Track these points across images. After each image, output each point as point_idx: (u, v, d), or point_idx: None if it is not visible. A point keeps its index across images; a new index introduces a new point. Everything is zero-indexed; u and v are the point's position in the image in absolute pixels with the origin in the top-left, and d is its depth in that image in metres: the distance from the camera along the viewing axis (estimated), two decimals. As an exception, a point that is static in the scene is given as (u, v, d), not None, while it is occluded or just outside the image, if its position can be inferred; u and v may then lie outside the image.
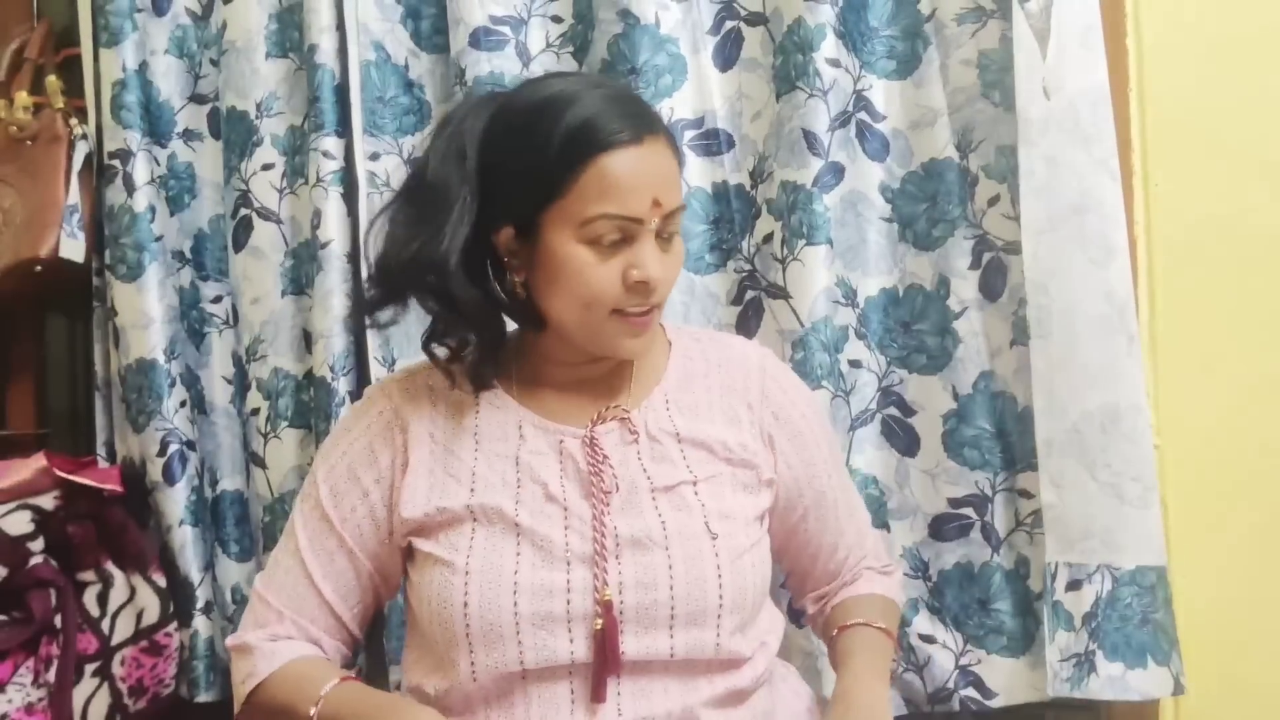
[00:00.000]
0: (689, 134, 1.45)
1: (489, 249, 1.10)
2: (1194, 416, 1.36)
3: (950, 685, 1.39)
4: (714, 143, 1.46)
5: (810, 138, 1.39)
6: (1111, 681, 1.31)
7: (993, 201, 1.38)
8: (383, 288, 1.13)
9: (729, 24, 1.46)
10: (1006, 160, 1.36)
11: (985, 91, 1.37)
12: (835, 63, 1.40)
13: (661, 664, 1.06)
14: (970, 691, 1.38)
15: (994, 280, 1.38)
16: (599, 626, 1.04)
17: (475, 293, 1.09)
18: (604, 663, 1.04)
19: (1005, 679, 1.38)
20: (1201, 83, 1.38)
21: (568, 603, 1.05)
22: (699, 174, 1.45)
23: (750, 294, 1.45)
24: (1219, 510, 1.36)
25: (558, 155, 1.04)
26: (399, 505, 1.12)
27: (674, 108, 1.43)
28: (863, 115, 1.42)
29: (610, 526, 1.08)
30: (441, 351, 1.14)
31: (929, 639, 1.40)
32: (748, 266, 1.46)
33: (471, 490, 1.10)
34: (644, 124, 1.06)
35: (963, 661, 1.39)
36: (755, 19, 1.45)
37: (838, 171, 1.42)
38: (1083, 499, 1.31)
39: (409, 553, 1.14)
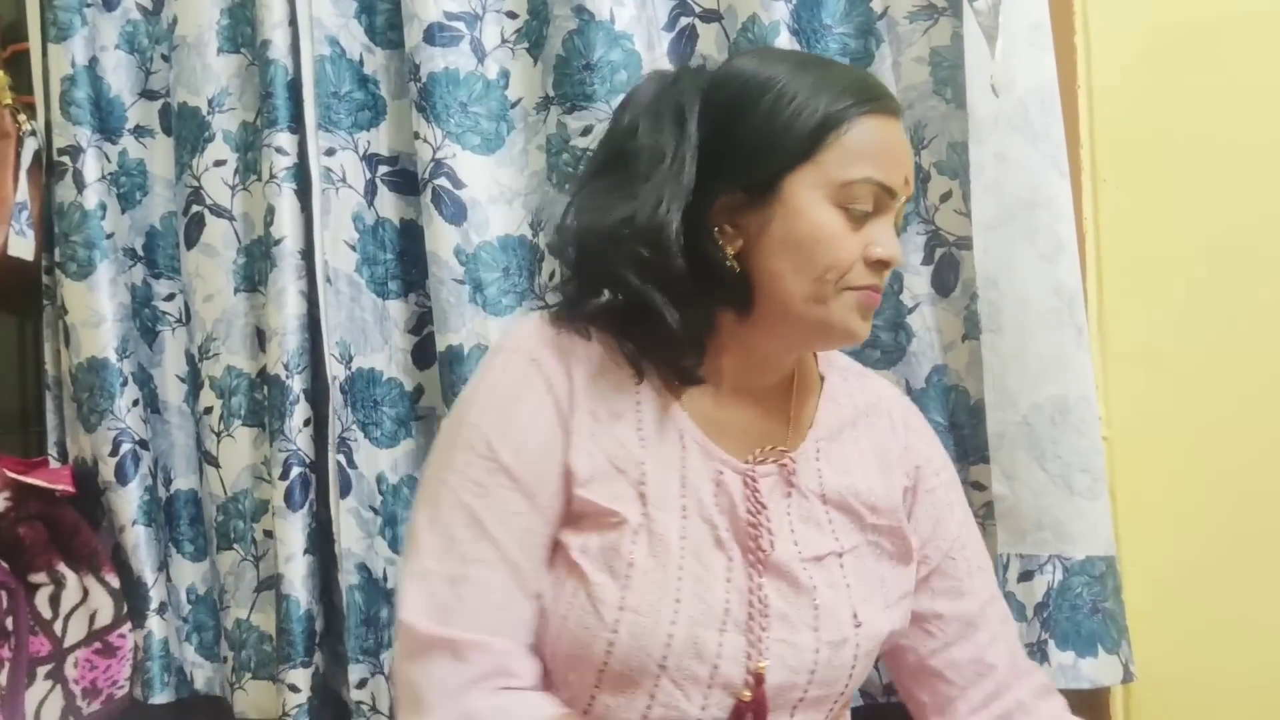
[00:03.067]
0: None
1: (702, 219, 0.98)
2: (1141, 408, 1.38)
3: (905, 676, 1.40)
4: (669, 139, 1.46)
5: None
6: (1063, 670, 1.32)
7: (945, 198, 1.39)
8: (584, 271, 1.00)
9: (684, 20, 1.46)
10: (958, 157, 1.37)
11: (937, 89, 1.39)
12: (789, 60, 1.40)
13: None
14: (925, 682, 1.40)
15: (946, 275, 1.40)
16: (747, 698, 0.96)
17: (690, 266, 0.96)
18: None
19: (959, 669, 1.39)
20: (1148, 80, 1.40)
21: (715, 668, 0.95)
22: (654, 170, 1.46)
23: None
24: (1166, 500, 1.38)
25: (821, 111, 0.95)
26: (572, 479, 0.96)
27: (629, 104, 1.44)
28: (816, 112, 1.43)
29: (764, 592, 0.98)
30: (629, 346, 0.99)
31: (884, 630, 1.42)
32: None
33: (641, 497, 0.97)
34: (895, 102, 1.00)
35: (917, 652, 1.41)
36: (710, 16, 1.45)
37: (792, 168, 1.42)
38: (1033, 490, 1.32)
39: (554, 544, 0.98)
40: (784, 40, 1.39)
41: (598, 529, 0.96)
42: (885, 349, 1.42)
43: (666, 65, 1.46)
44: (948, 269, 1.40)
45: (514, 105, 1.50)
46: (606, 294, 1.01)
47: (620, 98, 1.40)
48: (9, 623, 1.54)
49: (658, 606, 0.94)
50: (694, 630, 0.94)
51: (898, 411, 1.13)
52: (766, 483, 1.00)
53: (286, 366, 1.52)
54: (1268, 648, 1.35)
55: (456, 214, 1.46)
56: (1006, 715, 1.09)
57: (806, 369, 1.08)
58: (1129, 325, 1.39)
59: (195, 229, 1.61)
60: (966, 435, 1.39)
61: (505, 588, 0.93)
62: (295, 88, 1.53)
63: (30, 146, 1.69)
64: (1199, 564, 1.37)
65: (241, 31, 1.59)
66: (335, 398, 1.52)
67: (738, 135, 0.97)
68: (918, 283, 1.41)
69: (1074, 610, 1.33)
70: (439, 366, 1.48)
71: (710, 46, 1.45)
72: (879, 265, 0.97)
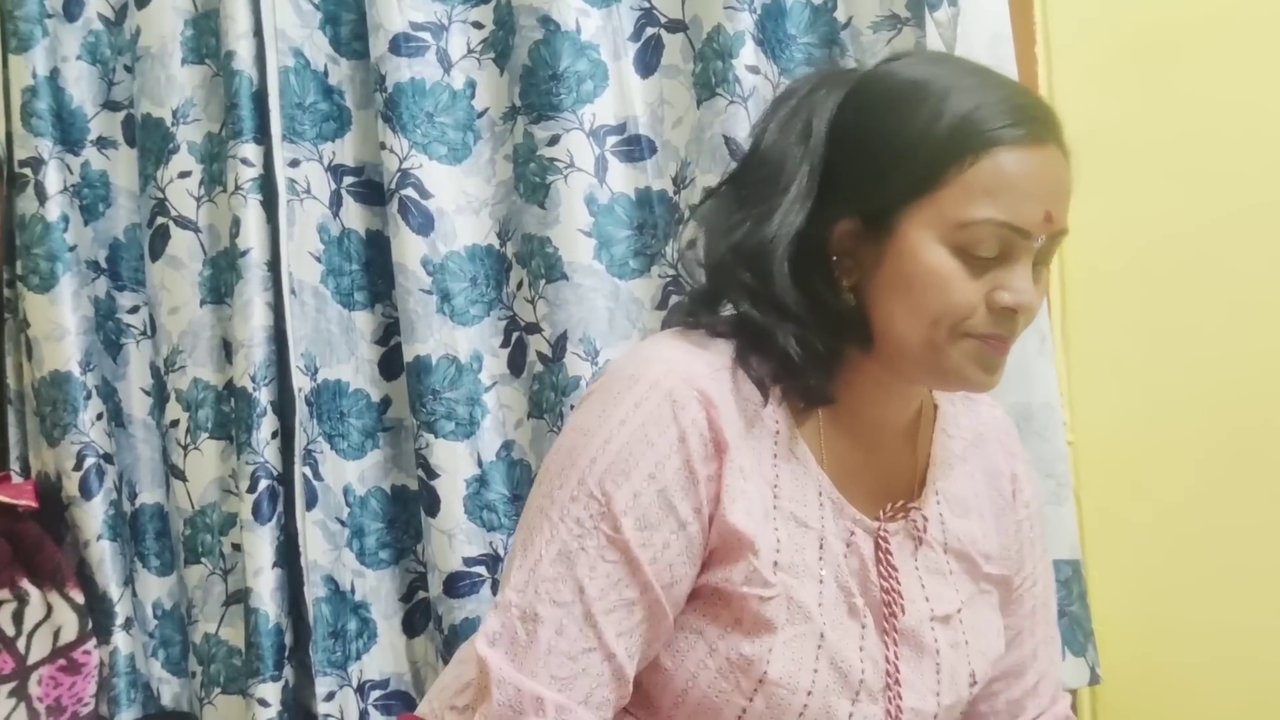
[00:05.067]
0: (611, 140, 1.45)
1: (819, 245, 0.90)
2: (1105, 414, 1.40)
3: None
4: (636, 149, 1.47)
5: (731, 144, 1.40)
6: (1031, 673, 1.33)
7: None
8: (710, 287, 0.94)
9: (649, 31, 1.47)
10: (922, 165, 1.38)
11: (901, 98, 1.40)
12: (754, 69, 1.41)
13: None
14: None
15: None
16: None
17: (798, 297, 0.89)
18: None
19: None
20: (1109, 90, 1.42)
21: None
22: (622, 180, 1.46)
23: (674, 298, 1.46)
24: (1130, 504, 1.39)
25: (943, 141, 0.85)
26: (720, 542, 0.89)
27: (596, 114, 1.44)
28: (782, 121, 1.44)
29: (898, 660, 0.93)
30: (759, 367, 0.90)
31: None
32: (671, 271, 1.47)
33: (775, 565, 0.89)
34: (1047, 126, 0.88)
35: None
36: (675, 26, 1.46)
37: (758, 177, 1.43)
38: (999, 496, 1.34)
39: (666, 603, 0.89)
40: (749, 51, 1.39)
41: (740, 593, 0.89)
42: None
43: (632, 75, 1.46)
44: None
45: (480, 115, 1.50)
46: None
47: (586, 108, 1.43)
48: (-29, 640, 1.53)
49: (796, 677, 0.89)
50: (828, 699, 0.90)
51: (1004, 438, 1.06)
52: (896, 540, 0.94)
53: (254, 379, 1.51)
54: (1231, 650, 1.36)
55: (423, 224, 1.46)
56: None
57: (924, 399, 1.01)
58: (1093, 332, 1.41)
59: (160, 241, 1.60)
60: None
61: (578, 637, 0.86)
62: (260, 99, 1.52)
63: (-10, 159, 1.68)
64: (1163, 567, 1.39)
65: (206, 42, 1.58)
66: (300, 409, 1.52)
67: (859, 157, 0.89)
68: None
69: (1041, 614, 1.34)
70: (407, 377, 1.48)
71: (676, 56, 1.46)
72: (1007, 314, 0.86)
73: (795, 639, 0.89)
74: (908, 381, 0.94)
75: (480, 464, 1.47)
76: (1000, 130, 0.85)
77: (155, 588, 1.65)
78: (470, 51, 1.50)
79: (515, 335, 1.49)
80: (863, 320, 0.90)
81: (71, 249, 1.63)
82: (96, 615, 1.61)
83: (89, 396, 1.63)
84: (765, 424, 0.91)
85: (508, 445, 1.49)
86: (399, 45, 1.46)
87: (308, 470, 1.53)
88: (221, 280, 1.58)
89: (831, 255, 0.90)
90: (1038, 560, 1.06)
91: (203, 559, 1.60)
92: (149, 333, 1.65)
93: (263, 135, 1.52)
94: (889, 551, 0.93)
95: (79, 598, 1.59)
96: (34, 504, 1.59)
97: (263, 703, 1.50)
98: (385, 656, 1.55)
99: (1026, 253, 0.86)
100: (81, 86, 1.65)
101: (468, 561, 1.45)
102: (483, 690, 0.87)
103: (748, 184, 0.93)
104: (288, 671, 1.52)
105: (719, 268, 0.93)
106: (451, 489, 1.45)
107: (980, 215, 0.84)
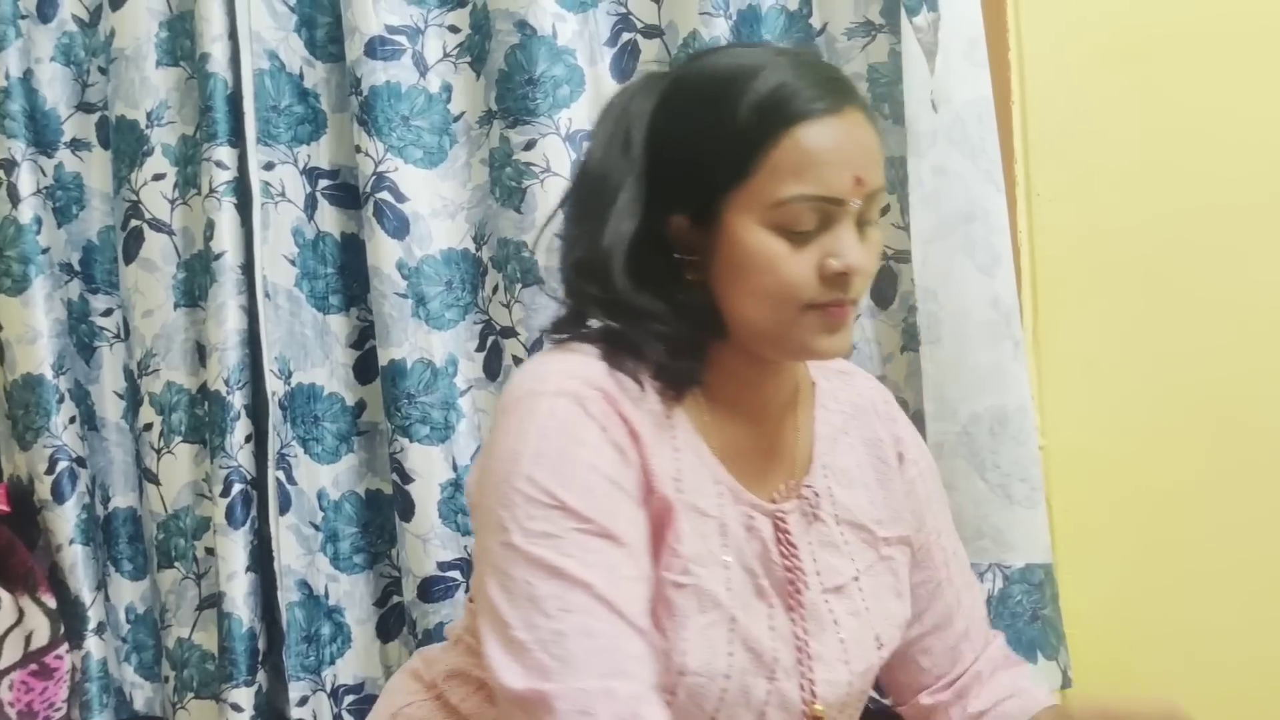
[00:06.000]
0: (587, 145, 1.45)
1: (662, 245, 0.94)
2: (1076, 418, 1.40)
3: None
4: (612, 153, 1.47)
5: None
6: (1004, 677, 1.34)
7: (883, 212, 1.40)
8: (570, 306, 0.97)
9: (626, 36, 1.47)
10: (896, 171, 1.39)
11: (875, 104, 1.40)
12: (730, 75, 1.42)
13: None
14: (868, 691, 1.41)
15: (885, 288, 1.41)
16: None
17: (646, 298, 0.93)
18: None
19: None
20: (1082, 95, 1.42)
21: (761, 715, 0.94)
22: (597, 184, 1.46)
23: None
24: (1101, 508, 1.40)
25: (744, 129, 0.89)
26: (669, 516, 0.92)
27: (572, 119, 1.44)
28: (757, 126, 1.44)
29: (806, 636, 0.96)
30: (630, 365, 0.93)
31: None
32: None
33: (676, 555, 0.91)
34: (843, 92, 0.91)
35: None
36: (651, 31, 1.46)
37: (733, 182, 1.43)
38: (973, 500, 1.34)
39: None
40: (724, 56, 1.39)
41: (659, 577, 0.90)
42: (826, 361, 1.43)
43: (609, 80, 1.46)
44: (886, 282, 1.41)
45: (456, 119, 1.50)
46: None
47: (562, 112, 1.43)
48: (-58, 645, 1.52)
49: (713, 664, 0.91)
50: (744, 680, 0.92)
51: (881, 406, 1.11)
52: (793, 519, 0.98)
53: (227, 382, 1.50)
54: (1202, 653, 1.37)
55: (399, 227, 1.46)
56: (964, 690, 1.10)
57: (801, 376, 1.05)
58: (1063, 336, 1.42)
59: (134, 244, 1.59)
60: (907, 446, 1.41)
61: (609, 632, 0.83)
62: (235, 101, 1.52)
63: (-37, 160, 1.67)
64: (1133, 570, 1.40)
65: (180, 44, 1.58)
66: (274, 413, 1.51)
67: (677, 155, 0.94)
68: (858, 295, 1.42)
69: (1014, 618, 1.35)
70: (381, 381, 1.48)
71: (652, 62, 1.46)
72: (840, 279, 0.90)
73: (708, 627, 0.91)
74: (765, 359, 0.97)
75: (455, 468, 1.47)
76: (796, 108, 0.89)
77: (128, 592, 1.64)
78: (446, 55, 1.50)
79: (491, 339, 1.49)
80: (714, 309, 0.94)
81: (44, 251, 1.63)
82: (69, 620, 1.60)
83: (61, 400, 1.62)
84: (659, 416, 0.94)
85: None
86: (375, 48, 1.46)
87: (281, 474, 1.52)
88: (195, 283, 1.58)
89: (672, 252, 0.94)
90: (938, 514, 1.11)
91: (176, 563, 1.59)
92: (122, 336, 1.65)
93: (237, 138, 1.52)
94: (787, 531, 0.97)
95: (51, 602, 1.58)
96: (5, 508, 1.59)
97: (236, 707, 1.49)
98: (359, 661, 1.55)
99: (845, 217, 0.90)
100: (55, 88, 1.65)
101: (442, 566, 1.45)
102: (532, 713, 0.81)
103: (580, 203, 0.98)
104: (261, 676, 1.52)
105: (568, 287, 0.97)
106: (426, 493, 1.45)
107: (790, 193, 0.89)
